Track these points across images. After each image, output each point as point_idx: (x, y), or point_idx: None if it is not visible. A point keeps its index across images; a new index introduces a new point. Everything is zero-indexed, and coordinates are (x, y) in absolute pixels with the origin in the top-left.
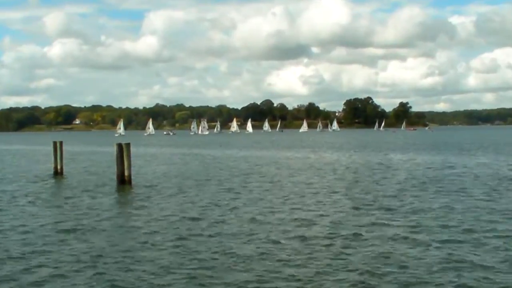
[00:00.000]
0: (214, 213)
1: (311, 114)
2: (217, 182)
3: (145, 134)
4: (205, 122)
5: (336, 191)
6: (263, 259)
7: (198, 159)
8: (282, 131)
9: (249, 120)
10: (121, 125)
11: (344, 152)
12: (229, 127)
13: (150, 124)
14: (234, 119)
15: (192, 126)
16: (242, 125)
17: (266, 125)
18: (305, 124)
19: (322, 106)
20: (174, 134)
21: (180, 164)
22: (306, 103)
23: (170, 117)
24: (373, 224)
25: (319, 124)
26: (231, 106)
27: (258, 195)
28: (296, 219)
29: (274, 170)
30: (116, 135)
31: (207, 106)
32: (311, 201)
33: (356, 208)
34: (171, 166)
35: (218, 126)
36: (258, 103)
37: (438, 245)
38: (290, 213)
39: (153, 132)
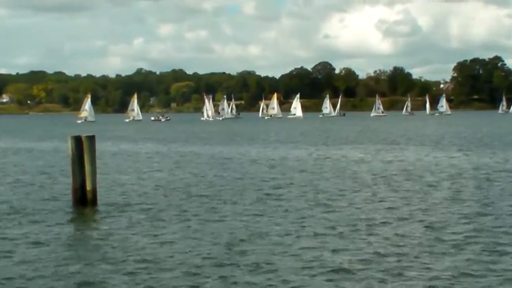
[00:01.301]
0: (220, 255)
1: (399, 86)
2: (227, 199)
3: (127, 120)
4: (224, 102)
5: (433, 217)
6: None
7: (202, 161)
8: (343, 114)
9: (297, 97)
10: (87, 105)
11: (445, 151)
12: (258, 108)
13: (134, 104)
14: (274, 96)
15: (206, 108)
16: (284, 105)
17: (327, 105)
18: (378, 103)
19: (416, 72)
20: (168, 119)
21: (175, 171)
22: (389, 68)
23: (161, 91)
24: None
25: (407, 103)
26: (262, 74)
27: (290, 220)
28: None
29: (322, 180)
30: (80, 121)
31: (224, 73)
32: (388, 234)
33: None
34: (161, 173)
35: (233, 106)
36: (309, 69)
37: None
38: (345, 255)
39: (140, 117)
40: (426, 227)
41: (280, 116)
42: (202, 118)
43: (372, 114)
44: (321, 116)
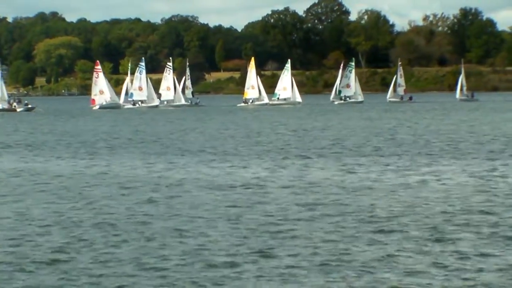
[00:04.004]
0: None
1: (473, 43)
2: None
3: None
4: (142, 73)
5: None
6: None
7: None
8: (346, 98)
9: (287, 67)
10: None
11: None
12: (205, 87)
13: None
14: (251, 63)
15: (97, 87)
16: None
17: (350, 81)
18: (399, 74)
19: (503, 19)
20: (29, 108)
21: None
22: (453, 11)
23: (16, 55)
24: None
25: (461, 78)
26: (211, 22)
27: None
28: None
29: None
30: None
31: (138, 20)
32: None
33: None
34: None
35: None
36: (300, 13)
37: None
38: None
39: None
40: None
41: (266, 102)
42: (94, 107)
43: (388, 99)
44: (339, 101)
